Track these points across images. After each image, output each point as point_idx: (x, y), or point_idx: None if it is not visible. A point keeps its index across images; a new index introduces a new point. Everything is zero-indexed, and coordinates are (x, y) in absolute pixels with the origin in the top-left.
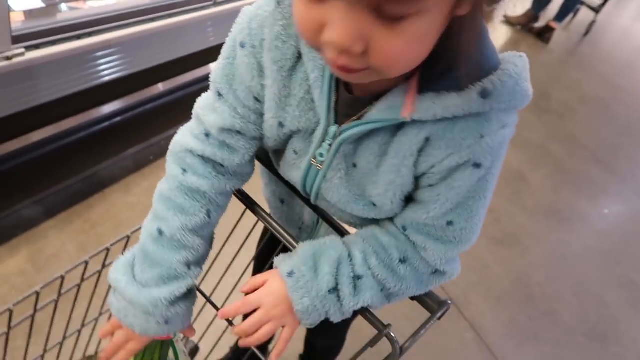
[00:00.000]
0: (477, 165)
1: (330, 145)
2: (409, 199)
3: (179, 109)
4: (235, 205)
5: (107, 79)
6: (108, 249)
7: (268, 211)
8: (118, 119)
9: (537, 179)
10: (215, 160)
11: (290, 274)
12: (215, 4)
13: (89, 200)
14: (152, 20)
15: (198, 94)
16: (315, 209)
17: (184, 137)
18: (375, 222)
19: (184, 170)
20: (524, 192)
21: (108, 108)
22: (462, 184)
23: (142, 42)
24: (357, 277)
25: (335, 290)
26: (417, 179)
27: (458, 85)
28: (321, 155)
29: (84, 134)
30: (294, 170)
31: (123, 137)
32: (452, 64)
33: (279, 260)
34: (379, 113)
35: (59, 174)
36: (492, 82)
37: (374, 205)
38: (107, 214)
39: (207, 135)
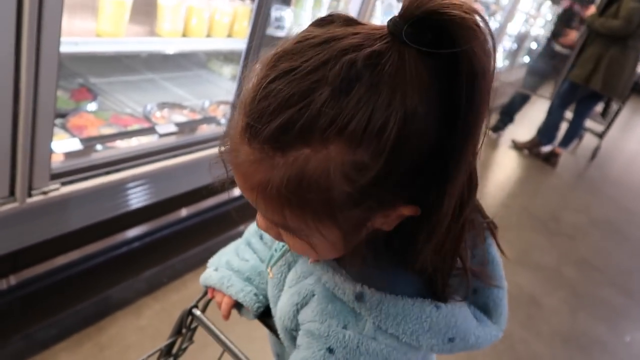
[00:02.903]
0: (330, 350)
1: (278, 258)
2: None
3: (195, 233)
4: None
5: (132, 208)
6: None
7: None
8: (137, 243)
9: (551, 303)
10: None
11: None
12: None
13: (100, 323)
14: (175, 156)
15: (214, 220)
16: None
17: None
18: None
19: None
20: (538, 316)
21: (130, 233)
22: (308, 356)
23: (165, 175)
24: None
25: None
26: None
27: (351, 275)
28: (272, 256)
29: (103, 258)
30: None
31: (140, 260)
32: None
33: None
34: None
35: (75, 297)
36: (372, 295)
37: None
38: (117, 337)
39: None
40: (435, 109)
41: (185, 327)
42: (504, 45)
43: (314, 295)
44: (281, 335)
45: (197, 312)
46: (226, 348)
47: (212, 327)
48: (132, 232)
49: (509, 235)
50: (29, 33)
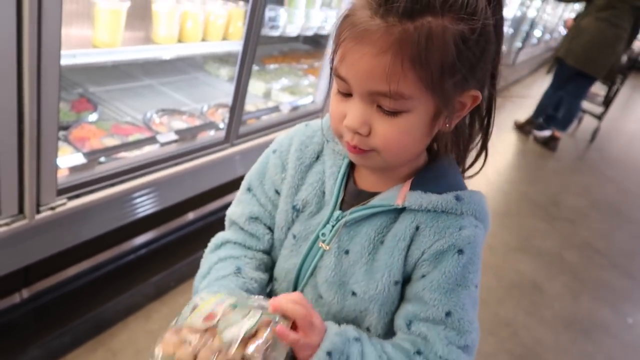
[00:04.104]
0: (460, 252)
1: (332, 226)
2: (402, 297)
3: (199, 236)
4: None
5: (139, 216)
6: None
7: None
8: (144, 250)
9: (553, 288)
10: (244, 245)
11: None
12: (232, 145)
13: (112, 329)
14: (177, 164)
15: (219, 223)
16: None
17: (218, 236)
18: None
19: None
20: (540, 302)
21: (137, 240)
22: (450, 270)
23: (168, 183)
24: None
25: None
26: (410, 275)
27: (439, 191)
28: (323, 234)
29: (113, 266)
30: (291, 258)
31: (149, 265)
32: (437, 174)
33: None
34: (378, 201)
35: (86, 305)
36: (464, 193)
37: (353, 293)
38: (128, 342)
39: (235, 225)
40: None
41: None
42: None
43: (417, 227)
44: (376, 298)
45: None
46: None
47: None
48: (140, 240)
49: (509, 221)
50: (29, 46)
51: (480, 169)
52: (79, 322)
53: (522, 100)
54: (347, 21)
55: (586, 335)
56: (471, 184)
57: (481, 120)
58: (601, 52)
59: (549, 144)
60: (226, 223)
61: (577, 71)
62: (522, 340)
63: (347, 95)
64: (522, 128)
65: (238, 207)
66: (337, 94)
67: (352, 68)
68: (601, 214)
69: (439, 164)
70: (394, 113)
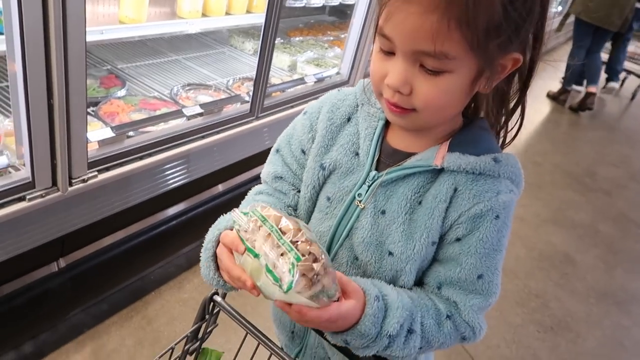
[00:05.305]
0: (497, 217)
1: (369, 187)
2: (434, 259)
3: (228, 208)
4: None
5: (168, 188)
6: (172, 348)
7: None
8: (175, 222)
9: (586, 260)
10: (272, 195)
11: (377, 299)
12: (257, 118)
13: (146, 297)
14: (203, 137)
15: (245, 195)
16: None
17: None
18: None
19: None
20: (573, 275)
21: (169, 212)
22: (487, 235)
23: (195, 156)
24: (410, 332)
25: (391, 337)
26: (443, 236)
27: (477, 153)
28: (360, 195)
29: (146, 237)
30: (326, 220)
31: (180, 236)
32: (474, 137)
33: (369, 285)
34: (415, 161)
35: (121, 274)
36: (500, 155)
37: (390, 253)
38: (162, 310)
39: (265, 183)
40: None
41: (208, 312)
42: None
43: (456, 189)
44: (412, 258)
45: (218, 299)
46: (247, 330)
47: (233, 311)
48: (171, 211)
49: (542, 193)
50: (55, 24)
51: (516, 135)
52: (114, 290)
53: (556, 69)
54: None
55: (620, 308)
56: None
57: (521, 84)
58: (614, 5)
59: (585, 102)
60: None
61: (594, 27)
62: (553, 311)
63: (390, 53)
64: (556, 98)
65: (267, 167)
66: (379, 52)
67: (398, 27)
68: (639, 185)
69: (476, 127)
70: (436, 73)
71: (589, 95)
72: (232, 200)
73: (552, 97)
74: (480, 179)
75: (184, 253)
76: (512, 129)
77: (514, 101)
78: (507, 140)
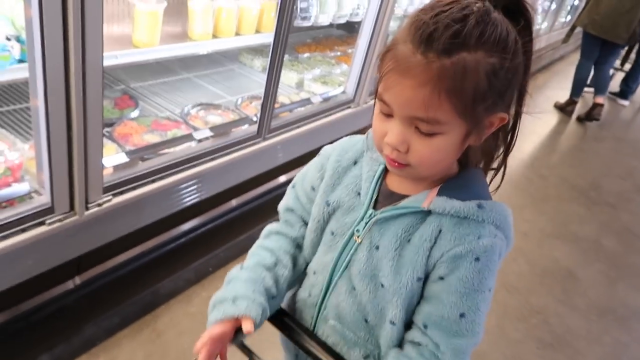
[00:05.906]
0: (477, 259)
1: (366, 224)
2: (422, 297)
3: (236, 225)
4: None
5: (180, 207)
6: None
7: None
8: (184, 238)
9: (588, 275)
10: (280, 232)
11: None
12: (265, 139)
13: (156, 311)
14: (213, 159)
15: (253, 212)
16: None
17: (267, 227)
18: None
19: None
20: (574, 290)
21: (178, 230)
22: (466, 275)
23: (206, 176)
24: None
25: None
26: (428, 274)
27: (463, 198)
28: (358, 231)
29: (156, 253)
30: (329, 252)
31: (189, 252)
32: (465, 183)
33: None
34: (407, 203)
35: (132, 289)
36: (486, 202)
37: (382, 285)
38: (171, 323)
39: (279, 213)
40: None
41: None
42: (543, 6)
43: (440, 231)
44: (400, 291)
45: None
46: None
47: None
48: (180, 229)
49: (546, 207)
50: (75, 50)
51: (500, 183)
52: (126, 304)
53: (562, 80)
54: (390, 54)
55: (621, 324)
56: (510, 170)
57: (505, 135)
58: (621, 18)
59: (593, 112)
60: None
61: (601, 40)
62: (553, 328)
63: (389, 115)
64: (563, 109)
65: (283, 199)
66: (379, 114)
67: (395, 96)
68: None
69: (467, 175)
70: (429, 134)
71: (595, 105)
72: (239, 217)
73: (559, 107)
74: (464, 222)
75: (192, 268)
76: (495, 176)
77: (501, 152)
78: (493, 189)
